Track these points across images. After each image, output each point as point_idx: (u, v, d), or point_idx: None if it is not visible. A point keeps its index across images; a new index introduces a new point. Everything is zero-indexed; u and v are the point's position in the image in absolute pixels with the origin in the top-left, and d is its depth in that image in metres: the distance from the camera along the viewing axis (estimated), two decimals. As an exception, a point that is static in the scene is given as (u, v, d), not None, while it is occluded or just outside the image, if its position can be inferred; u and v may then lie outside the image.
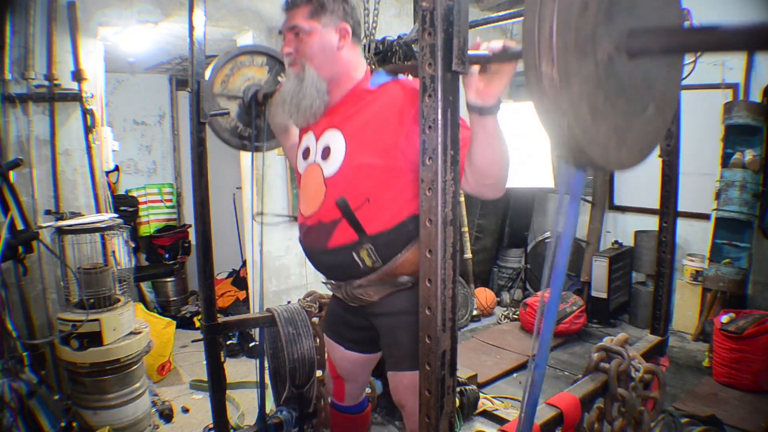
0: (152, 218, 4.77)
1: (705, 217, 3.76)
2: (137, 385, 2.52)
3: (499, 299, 4.71)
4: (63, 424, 2.19)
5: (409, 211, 1.34)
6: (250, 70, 1.89)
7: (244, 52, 1.89)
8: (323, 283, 1.56)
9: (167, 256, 4.64)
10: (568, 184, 0.86)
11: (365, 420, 1.87)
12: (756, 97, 3.55)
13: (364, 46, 1.97)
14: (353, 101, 1.41)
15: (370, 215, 1.33)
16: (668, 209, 1.77)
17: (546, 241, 4.77)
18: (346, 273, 1.40)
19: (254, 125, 1.85)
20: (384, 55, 2.00)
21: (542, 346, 0.96)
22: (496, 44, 0.99)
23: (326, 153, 1.40)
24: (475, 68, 1.03)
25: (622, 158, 0.74)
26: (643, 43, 0.70)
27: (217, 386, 1.85)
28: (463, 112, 1.19)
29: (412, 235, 1.34)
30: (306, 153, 1.49)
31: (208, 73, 1.76)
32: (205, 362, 1.88)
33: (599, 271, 4.06)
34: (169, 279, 4.56)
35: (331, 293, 1.61)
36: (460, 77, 0.85)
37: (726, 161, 3.54)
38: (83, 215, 2.68)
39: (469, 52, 0.83)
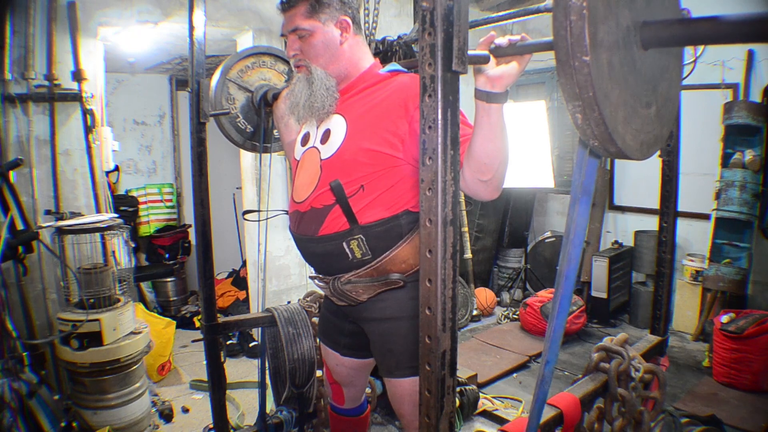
0: (152, 218, 4.77)
1: (705, 217, 3.76)
2: (137, 385, 2.52)
3: (499, 299, 4.71)
4: (63, 424, 2.19)
5: (405, 205, 1.32)
6: (270, 72, 1.90)
7: (271, 54, 1.91)
8: (311, 278, 1.52)
9: (167, 256, 4.64)
10: (581, 172, 0.86)
11: (365, 422, 1.86)
12: (756, 97, 3.55)
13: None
14: (359, 87, 1.41)
15: (364, 204, 1.31)
16: (668, 209, 1.77)
17: (547, 240, 4.77)
18: (334, 264, 1.38)
19: (263, 126, 1.85)
20: (384, 55, 2.00)
21: (554, 342, 0.95)
22: (514, 38, 1.01)
23: (326, 137, 1.39)
24: (491, 56, 1.04)
25: (626, 139, 0.75)
26: (656, 32, 0.73)
27: (217, 386, 1.85)
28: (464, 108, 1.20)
29: (405, 231, 1.32)
30: (305, 139, 1.48)
31: (230, 60, 1.79)
32: (205, 362, 1.88)
33: (599, 271, 4.06)
34: (169, 279, 4.56)
35: None
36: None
37: (726, 161, 3.54)
38: (83, 215, 2.68)
39: (470, 52, 0.83)
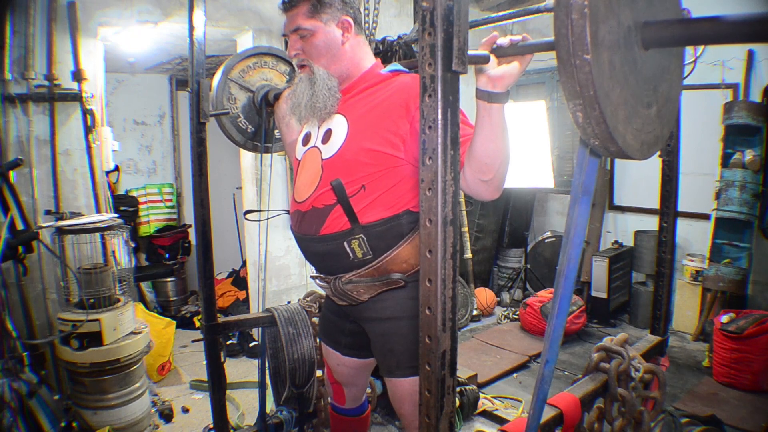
0: (152, 218, 4.77)
1: (705, 217, 3.76)
2: (137, 385, 2.52)
3: (499, 299, 4.71)
4: (63, 424, 2.19)
5: (406, 205, 1.32)
6: (271, 73, 1.90)
7: (272, 54, 1.91)
8: (312, 277, 1.52)
9: (167, 256, 4.64)
10: (582, 172, 0.86)
11: (365, 422, 1.86)
12: (756, 97, 3.55)
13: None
14: (360, 87, 1.41)
15: (365, 204, 1.31)
16: (668, 209, 1.77)
17: (547, 240, 4.77)
18: (336, 264, 1.38)
19: (264, 126, 1.85)
20: (384, 55, 2.00)
21: (554, 342, 0.96)
22: (516, 38, 1.01)
23: (327, 136, 1.40)
24: (492, 56, 1.04)
25: (627, 138, 0.75)
26: (657, 32, 0.73)
27: (217, 386, 1.85)
28: (465, 108, 1.20)
29: (406, 231, 1.32)
30: (306, 139, 1.48)
31: (232, 60, 1.80)
32: (205, 362, 1.88)
33: (599, 271, 4.06)
34: (169, 279, 4.56)
35: None
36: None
37: (726, 161, 3.54)
38: (83, 215, 2.68)
39: (470, 52, 0.83)
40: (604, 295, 4.07)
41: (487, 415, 2.63)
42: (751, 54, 3.59)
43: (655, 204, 1.85)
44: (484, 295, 4.48)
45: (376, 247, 1.32)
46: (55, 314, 2.53)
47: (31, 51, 2.65)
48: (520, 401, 2.91)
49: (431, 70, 0.77)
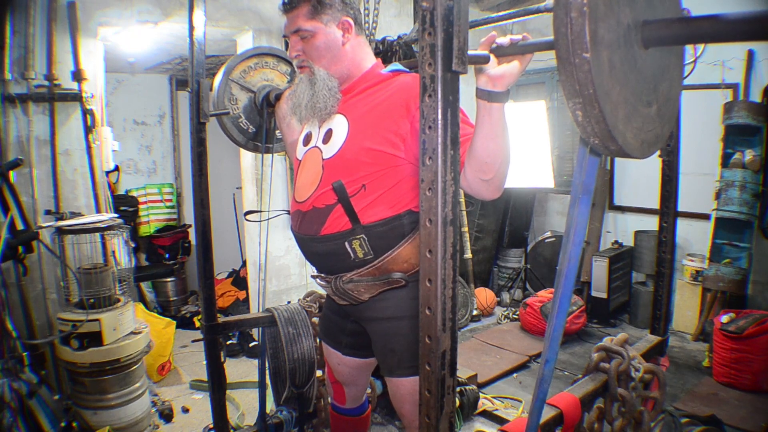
0: (152, 218, 4.77)
1: (705, 217, 3.76)
2: (137, 385, 2.52)
3: (499, 299, 4.71)
4: (63, 424, 2.19)
5: (407, 205, 1.32)
6: (272, 73, 1.91)
7: (273, 54, 1.92)
8: (313, 277, 1.53)
9: (167, 256, 4.64)
10: (582, 171, 0.86)
11: (365, 422, 1.86)
12: (756, 97, 3.55)
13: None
14: (361, 87, 1.41)
15: (366, 203, 1.31)
16: (668, 209, 1.77)
17: (547, 240, 4.77)
18: (336, 264, 1.38)
19: (265, 127, 1.86)
20: (384, 55, 2.00)
21: (553, 341, 0.96)
22: (516, 37, 1.01)
23: (328, 136, 1.40)
24: (492, 56, 1.04)
25: (627, 137, 0.75)
26: (657, 31, 0.73)
27: (217, 386, 1.85)
28: (465, 108, 1.20)
29: (407, 230, 1.33)
30: (307, 139, 1.48)
31: (233, 60, 1.81)
32: (205, 362, 1.88)
33: (599, 271, 4.06)
34: (169, 279, 4.56)
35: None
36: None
37: (726, 161, 3.54)
38: (83, 215, 2.68)
39: (470, 52, 0.83)
40: (604, 295, 4.07)
41: (487, 415, 2.63)
42: (751, 54, 3.58)
43: (655, 204, 1.85)
44: (484, 295, 4.48)
45: (377, 246, 1.32)
46: (55, 314, 2.53)
47: (31, 51, 2.65)
48: (520, 401, 2.90)
49: (431, 70, 0.77)
